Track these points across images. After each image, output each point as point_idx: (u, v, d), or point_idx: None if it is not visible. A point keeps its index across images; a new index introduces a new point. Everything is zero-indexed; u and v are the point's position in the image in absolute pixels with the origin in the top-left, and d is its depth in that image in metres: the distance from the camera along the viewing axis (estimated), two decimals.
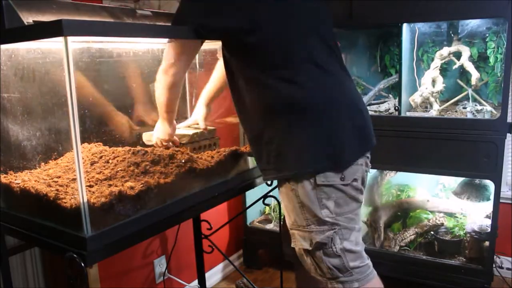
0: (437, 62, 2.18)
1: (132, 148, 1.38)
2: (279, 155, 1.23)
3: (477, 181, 2.22)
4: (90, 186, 1.13)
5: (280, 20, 1.20)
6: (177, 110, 1.61)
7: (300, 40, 1.23)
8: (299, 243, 1.27)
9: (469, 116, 2.03)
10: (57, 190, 1.10)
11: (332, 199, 1.22)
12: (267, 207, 2.67)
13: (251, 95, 1.24)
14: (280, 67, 1.20)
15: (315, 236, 1.23)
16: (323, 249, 1.23)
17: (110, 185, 1.14)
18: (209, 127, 1.65)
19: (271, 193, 1.73)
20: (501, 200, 1.98)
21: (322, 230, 1.22)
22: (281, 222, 1.59)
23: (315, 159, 1.19)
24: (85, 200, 0.98)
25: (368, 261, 1.29)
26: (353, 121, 1.24)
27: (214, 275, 2.50)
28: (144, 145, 1.62)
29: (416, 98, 2.19)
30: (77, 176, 0.98)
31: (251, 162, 1.58)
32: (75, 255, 0.97)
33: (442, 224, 2.23)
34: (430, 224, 2.23)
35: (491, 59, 2.10)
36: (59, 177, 1.21)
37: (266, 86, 1.21)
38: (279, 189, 1.31)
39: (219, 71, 1.56)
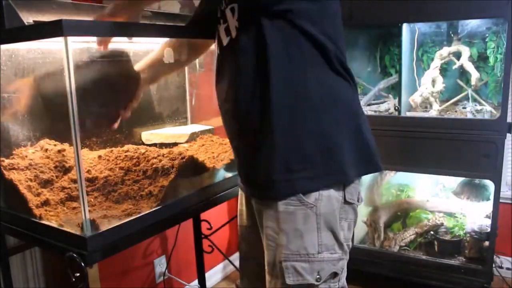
0: (437, 62, 2.18)
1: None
2: (328, 151, 0.98)
3: (477, 181, 2.22)
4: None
5: None
6: (177, 111, 1.60)
7: None
8: (299, 277, 1.00)
9: (469, 116, 2.04)
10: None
11: (347, 220, 1.04)
12: None
13: (301, 65, 0.97)
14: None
15: (325, 266, 1.01)
16: (330, 284, 1.02)
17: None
18: (207, 126, 1.66)
19: None
20: (501, 200, 1.98)
21: (336, 259, 1.02)
22: (242, 257, 1.27)
23: (358, 162, 1.02)
24: (85, 200, 0.98)
25: None
26: None
27: (214, 275, 2.49)
28: (144, 144, 1.62)
29: (416, 98, 2.19)
30: (77, 176, 0.98)
31: None
32: (75, 255, 0.97)
33: (442, 224, 2.23)
34: (430, 224, 2.23)
35: (491, 59, 2.10)
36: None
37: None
38: (269, 208, 1.02)
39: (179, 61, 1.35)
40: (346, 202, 1.01)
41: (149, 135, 1.63)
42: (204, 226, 1.99)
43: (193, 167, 1.31)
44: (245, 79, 0.99)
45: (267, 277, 1.07)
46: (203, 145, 1.57)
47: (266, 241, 1.06)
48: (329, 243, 1.01)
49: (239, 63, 0.99)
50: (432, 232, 2.22)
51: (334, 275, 1.03)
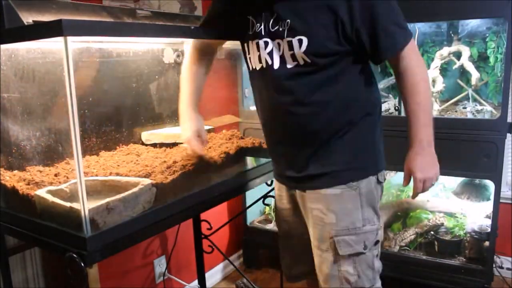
0: (437, 62, 2.18)
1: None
2: (369, 150, 1.24)
3: (477, 181, 2.22)
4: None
5: None
6: (177, 111, 1.60)
7: None
8: (350, 248, 1.20)
9: (469, 116, 2.03)
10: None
11: (379, 197, 1.26)
12: (267, 207, 2.67)
13: (351, 85, 1.19)
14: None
15: (370, 236, 1.21)
16: (373, 250, 1.22)
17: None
18: (207, 126, 1.65)
19: (271, 193, 1.73)
20: (501, 200, 1.98)
21: (376, 229, 1.23)
22: (284, 236, 1.44)
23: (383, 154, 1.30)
24: (85, 200, 0.98)
25: None
26: None
27: (214, 275, 2.50)
28: (143, 144, 1.63)
29: None
30: (77, 176, 0.98)
31: (251, 162, 1.58)
32: (75, 255, 0.97)
33: (442, 224, 2.23)
34: (430, 224, 2.23)
35: (491, 59, 2.10)
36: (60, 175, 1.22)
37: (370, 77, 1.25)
38: (315, 192, 1.23)
39: (207, 68, 1.43)
40: (378, 182, 1.24)
41: (149, 135, 1.63)
42: (204, 226, 1.99)
43: (197, 167, 1.32)
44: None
45: (316, 251, 1.25)
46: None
47: (312, 220, 1.24)
48: (370, 217, 1.22)
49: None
50: (432, 232, 2.21)
51: (376, 242, 1.23)
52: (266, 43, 1.18)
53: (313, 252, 1.27)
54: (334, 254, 1.20)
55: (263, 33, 1.18)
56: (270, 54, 1.18)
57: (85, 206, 0.98)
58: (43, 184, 1.16)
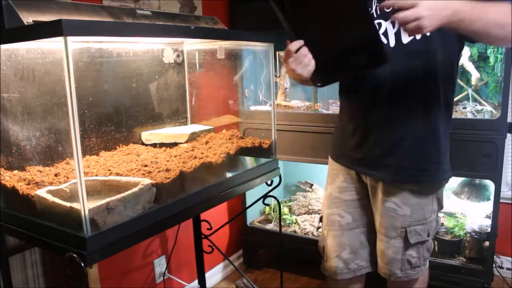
0: None
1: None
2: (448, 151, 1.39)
3: (477, 181, 2.22)
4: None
5: None
6: (177, 111, 1.60)
7: None
8: (418, 237, 1.38)
9: (469, 116, 2.03)
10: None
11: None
12: (267, 207, 2.67)
13: (448, 87, 1.33)
14: None
15: (433, 224, 1.41)
16: (431, 236, 1.42)
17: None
18: (207, 126, 1.65)
19: (270, 193, 1.73)
20: (501, 200, 1.98)
21: (437, 217, 1.42)
22: (345, 228, 1.49)
23: None
24: (85, 200, 0.98)
25: None
26: None
27: (214, 275, 2.50)
28: (143, 144, 1.63)
29: None
30: (77, 176, 0.98)
31: (251, 162, 1.58)
32: (75, 255, 0.97)
33: (442, 224, 2.23)
34: None
35: (491, 59, 2.10)
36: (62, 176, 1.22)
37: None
38: (393, 187, 1.36)
39: None
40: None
41: (149, 135, 1.63)
42: (204, 226, 1.99)
43: (200, 167, 1.31)
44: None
45: (381, 237, 1.40)
46: (207, 142, 1.57)
47: (382, 209, 1.38)
48: (436, 209, 1.40)
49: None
50: None
51: (435, 229, 1.44)
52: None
53: (377, 237, 1.42)
54: (403, 241, 1.37)
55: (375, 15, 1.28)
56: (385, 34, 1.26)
57: (85, 206, 0.98)
58: (43, 184, 1.16)
